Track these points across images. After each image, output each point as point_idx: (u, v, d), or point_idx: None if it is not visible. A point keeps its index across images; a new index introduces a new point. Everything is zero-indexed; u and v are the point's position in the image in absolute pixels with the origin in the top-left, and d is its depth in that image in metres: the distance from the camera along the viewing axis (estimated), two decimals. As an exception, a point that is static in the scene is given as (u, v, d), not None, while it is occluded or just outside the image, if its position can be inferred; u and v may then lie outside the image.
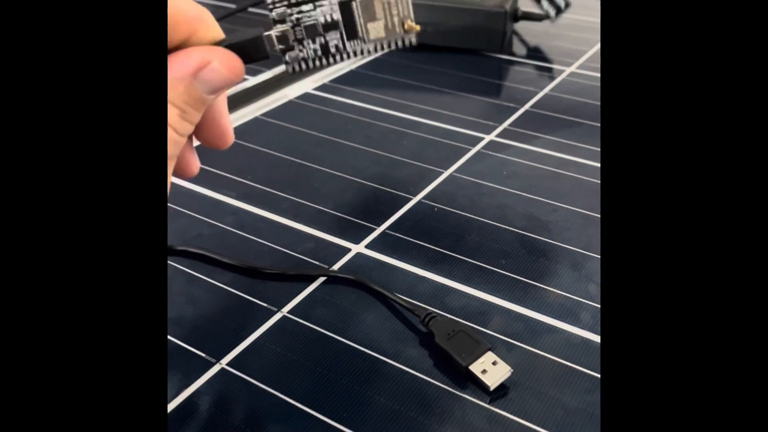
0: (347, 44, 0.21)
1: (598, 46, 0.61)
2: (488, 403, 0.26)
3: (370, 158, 0.42)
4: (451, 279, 0.32)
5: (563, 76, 0.54)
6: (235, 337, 0.28)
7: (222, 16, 0.63)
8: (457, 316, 0.30)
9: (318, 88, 0.52)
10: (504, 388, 0.26)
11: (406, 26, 0.21)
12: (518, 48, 0.61)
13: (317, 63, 0.21)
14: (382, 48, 0.22)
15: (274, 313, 0.30)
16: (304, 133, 0.45)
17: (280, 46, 0.21)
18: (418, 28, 0.21)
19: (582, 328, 0.29)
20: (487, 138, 0.45)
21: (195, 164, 0.23)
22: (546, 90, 0.52)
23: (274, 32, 0.21)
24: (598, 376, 0.27)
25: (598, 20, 0.67)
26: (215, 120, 0.22)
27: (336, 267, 0.33)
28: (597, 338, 0.29)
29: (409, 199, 0.38)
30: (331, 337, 0.29)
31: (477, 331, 0.29)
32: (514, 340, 0.29)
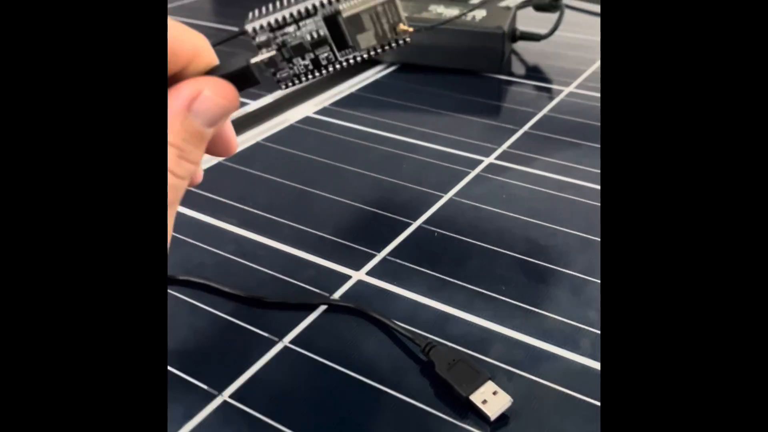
0: (338, 54, 0.21)
1: (596, 66, 0.61)
2: (489, 434, 0.26)
3: (371, 183, 0.43)
4: (451, 306, 0.32)
5: (562, 96, 0.55)
6: (238, 368, 0.29)
7: (225, 39, 0.64)
8: (457, 344, 0.30)
9: (319, 112, 0.52)
10: (505, 418, 0.26)
11: (398, 30, 0.21)
12: (517, 67, 0.61)
13: (310, 76, 0.21)
14: (376, 52, 0.21)
15: (276, 343, 0.30)
16: (305, 158, 0.45)
17: (270, 69, 0.21)
18: (411, 29, 0.21)
19: (582, 354, 0.29)
20: (487, 161, 0.45)
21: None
22: (545, 110, 0.52)
23: (260, 58, 0.21)
24: (598, 404, 0.27)
25: (596, 39, 0.68)
26: (218, 132, 0.22)
27: (337, 295, 0.33)
28: (597, 365, 0.29)
29: (410, 224, 0.38)
30: (332, 367, 0.29)
31: (477, 359, 0.29)
32: (514, 368, 0.29)
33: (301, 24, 0.21)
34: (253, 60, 0.21)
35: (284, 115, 0.52)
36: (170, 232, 0.19)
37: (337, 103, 0.53)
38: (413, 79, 0.58)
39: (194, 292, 0.33)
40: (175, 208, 0.19)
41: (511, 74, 0.59)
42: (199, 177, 0.22)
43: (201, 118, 0.19)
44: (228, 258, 0.36)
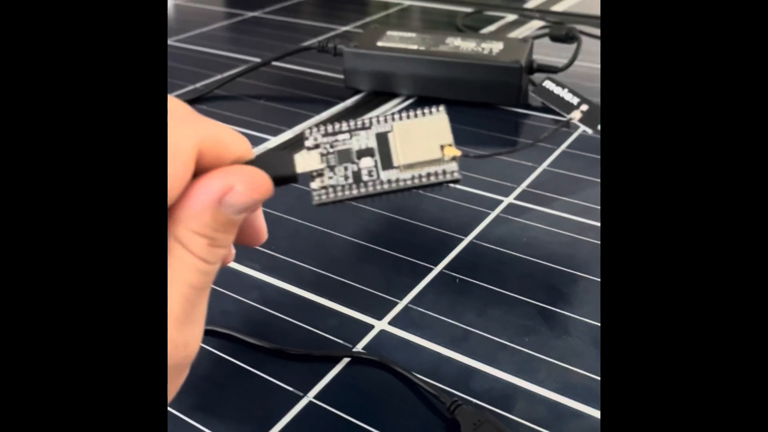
0: (381, 173, 0.20)
1: (613, 97, 0.61)
2: (515, 498, 0.26)
3: (391, 224, 0.43)
4: (474, 359, 0.32)
5: (580, 131, 0.55)
6: (263, 425, 0.29)
7: (246, 70, 0.64)
8: (481, 401, 0.30)
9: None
10: (531, 481, 0.26)
11: (445, 151, 0.20)
12: (533, 99, 0.61)
13: (347, 192, 0.21)
14: (421, 181, 0.20)
15: (300, 398, 0.30)
16: (324, 198, 0.46)
17: (311, 170, 0.21)
18: (459, 153, 0.20)
19: (607, 412, 0.29)
20: (506, 201, 0.45)
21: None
22: (563, 147, 0.52)
23: (308, 169, 0.20)
24: (625, 466, 0.27)
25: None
26: (249, 222, 0.22)
27: (360, 346, 0.33)
28: (622, 424, 0.29)
29: (431, 269, 0.38)
30: (356, 424, 0.29)
31: (501, 416, 0.29)
32: (539, 426, 0.29)
33: (353, 134, 0.21)
34: (299, 170, 0.21)
35: (303, 152, 0.52)
36: (204, 313, 0.20)
37: (355, 138, 0.54)
38: (431, 112, 0.58)
39: (219, 342, 0.33)
40: (208, 291, 0.19)
41: (528, 107, 0.59)
42: (232, 256, 0.22)
43: (231, 210, 0.19)
44: (251, 306, 0.36)
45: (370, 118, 0.21)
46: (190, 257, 0.18)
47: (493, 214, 0.44)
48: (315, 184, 0.21)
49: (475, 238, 0.41)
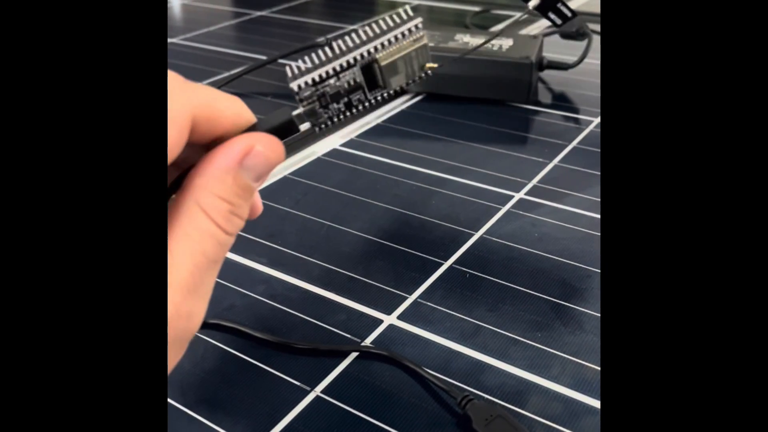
0: (368, 94, 0.22)
1: (625, 94, 0.60)
2: (529, 495, 0.25)
3: (400, 219, 0.42)
4: (486, 354, 0.31)
5: (591, 127, 0.54)
6: (270, 420, 0.28)
7: (253, 68, 0.64)
8: (493, 396, 0.29)
9: (345, 144, 0.52)
10: (545, 477, 0.26)
11: (425, 68, 0.22)
12: (544, 96, 0.61)
13: (341, 117, 0.22)
14: (402, 89, 0.22)
15: (308, 392, 0.29)
16: (332, 193, 0.45)
17: (310, 119, 0.21)
18: (434, 65, 0.22)
19: (622, 408, 0.28)
20: (517, 196, 0.44)
21: (259, 205, 0.23)
22: (574, 143, 0.51)
23: (302, 109, 0.21)
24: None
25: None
26: None
27: (368, 340, 0.32)
28: (638, 420, 0.28)
29: (440, 264, 0.38)
30: (365, 419, 0.28)
31: (515, 412, 0.28)
32: (553, 422, 0.28)
33: (341, 75, 0.22)
34: (295, 112, 0.21)
35: (311, 148, 0.51)
36: (211, 289, 0.19)
37: (363, 135, 0.53)
38: (439, 110, 0.57)
39: (225, 336, 0.33)
40: (219, 266, 0.19)
41: (538, 103, 0.59)
42: (259, 209, 0.22)
43: (251, 173, 0.19)
44: (258, 300, 0.35)
45: (354, 55, 0.22)
46: (209, 224, 0.18)
47: (503, 209, 0.43)
48: (310, 121, 0.22)
49: (486, 233, 0.41)
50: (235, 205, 0.19)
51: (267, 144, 0.19)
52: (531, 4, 0.54)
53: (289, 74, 0.22)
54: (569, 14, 0.57)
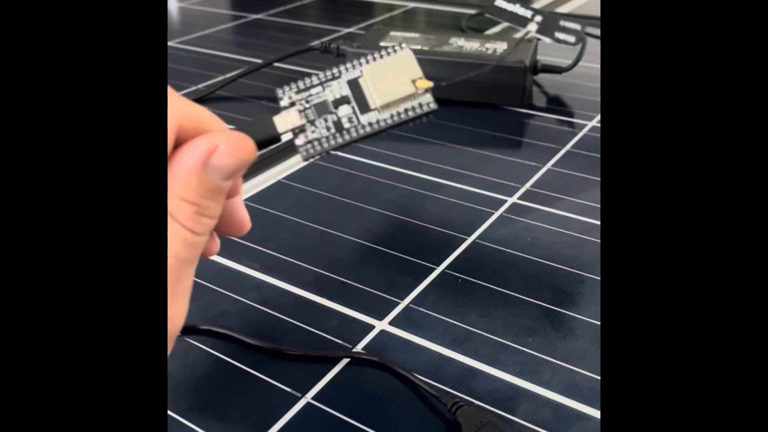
0: (361, 117, 0.21)
1: (619, 97, 0.60)
2: (518, 501, 0.25)
3: (394, 224, 0.42)
4: (477, 360, 0.31)
5: (585, 130, 0.54)
6: (261, 426, 0.28)
7: (248, 71, 0.64)
8: (484, 402, 0.29)
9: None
10: (534, 484, 0.26)
11: (417, 84, 0.21)
12: (538, 99, 0.61)
13: (332, 142, 0.21)
14: (400, 117, 0.21)
15: (299, 399, 0.29)
16: (326, 198, 0.45)
17: (292, 128, 0.21)
18: (431, 84, 0.21)
19: (613, 414, 0.28)
20: (510, 200, 0.44)
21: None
22: (568, 147, 0.51)
23: (289, 127, 0.21)
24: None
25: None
26: (230, 212, 0.22)
27: (360, 346, 0.32)
28: (628, 426, 0.28)
29: (433, 269, 0.38)
30: (355, 426, 0.28)
31: (504, 418, 0.28)
32: (543, 429, 0.28)
33: (326, 85, 0.22)
34: (281, 129, 0.21)
35: (305, 152, 0.51)
36: (189, 289, 0.19)
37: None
38: (433, 114, 0.57)
39: (216, 342, 0.33)
40: (194, 266, 0.19)
41: (532, 107, 0.59)
42: (216, 247, 0.22)
43: (218, 173, 0.19)
44: (250, 306, 0.35)
45: (339, 68, 0.22)
46: (176, 226, 0.18)
47: (497, 214, 0.43)
48: (299, 141, 0.21)
49: (478, 238, 0.41)
50: (201, 206, 0.18)
51: (233, 142, 0.19)
52: (530, 35, 0.54)
53: (279, 95, 0.22)
54: (578, 27, 0.57)
